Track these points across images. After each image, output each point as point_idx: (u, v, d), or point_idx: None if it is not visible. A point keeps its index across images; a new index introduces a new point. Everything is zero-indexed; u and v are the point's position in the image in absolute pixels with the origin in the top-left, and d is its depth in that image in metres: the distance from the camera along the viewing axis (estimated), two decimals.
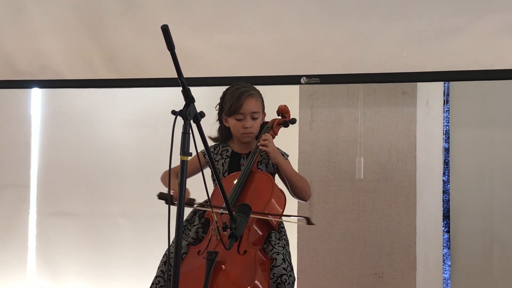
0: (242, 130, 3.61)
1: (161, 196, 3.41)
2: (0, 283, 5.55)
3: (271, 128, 3.67)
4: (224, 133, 3.73)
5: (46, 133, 5.57)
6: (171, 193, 3.35)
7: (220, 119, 3.71)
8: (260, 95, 3.67)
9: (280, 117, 3.74)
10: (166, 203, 3.36)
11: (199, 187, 3.05)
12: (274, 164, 3.63)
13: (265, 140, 3.55)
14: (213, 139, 3.74)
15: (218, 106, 3.70)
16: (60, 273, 5.48)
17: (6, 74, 4.91)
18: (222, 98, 3.69)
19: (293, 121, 3.74)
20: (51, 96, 5.55)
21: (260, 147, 3.54)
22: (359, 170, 4.37)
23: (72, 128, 5.49)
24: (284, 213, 3.47)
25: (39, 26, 4.83)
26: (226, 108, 3.63)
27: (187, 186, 2.74)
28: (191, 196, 3.43)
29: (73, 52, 4.78)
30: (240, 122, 3.61)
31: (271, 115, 3.74)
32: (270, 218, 3.38)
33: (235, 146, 3.71)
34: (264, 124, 3.71)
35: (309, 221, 3.37)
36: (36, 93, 5.57)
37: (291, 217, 3.44)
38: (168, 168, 3.09)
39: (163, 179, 3.62)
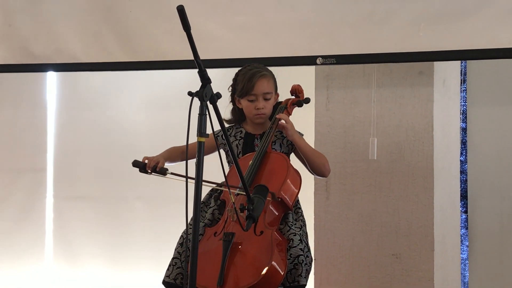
0: (255, 111, 3.60)
1: (135, 163, 3.56)
2: (18, 266, 5.58)
3: (285, 108, 3.64)
4: (238, 115, 3.72)
5: (62, 117, 5.58)
6: (146, 162, 3.54)
7: (233, 100, 3.70)
8: (273, 75, 3.65)
9: (293, 97, 3.72)
10: (140, 171, 3.47)
11: (215, 168, 3.04)
12: (288, 144, 3.62)
13: (282, 118, 3.53)
14: (226, 121, 3.73)
15: (230, 88, 3.69)
16: (77, 256, 5.50)
17: (22, 58, 4.91)
18: (235, 80, 3.67)
19: (307, 100, 3.72)
20: (67, 80, 5.56)
21: (279, 122, 3.52)
22: (372, 150, 4.36)
23: (88, 112, 5.49)
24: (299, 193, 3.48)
25: (54, 9, 4.83)
26: (239, 89, 3.61)
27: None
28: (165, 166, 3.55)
29: (88, 35, 4.78)
30: (252, 103, 3.59)
31: (286, 96, 3.72)
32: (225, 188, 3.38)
33: (248, 127, 3.70)
34: (278, 104, 3.69)
35: (273, 197, 3.35)
36: (51, 76, 5.57)
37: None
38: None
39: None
